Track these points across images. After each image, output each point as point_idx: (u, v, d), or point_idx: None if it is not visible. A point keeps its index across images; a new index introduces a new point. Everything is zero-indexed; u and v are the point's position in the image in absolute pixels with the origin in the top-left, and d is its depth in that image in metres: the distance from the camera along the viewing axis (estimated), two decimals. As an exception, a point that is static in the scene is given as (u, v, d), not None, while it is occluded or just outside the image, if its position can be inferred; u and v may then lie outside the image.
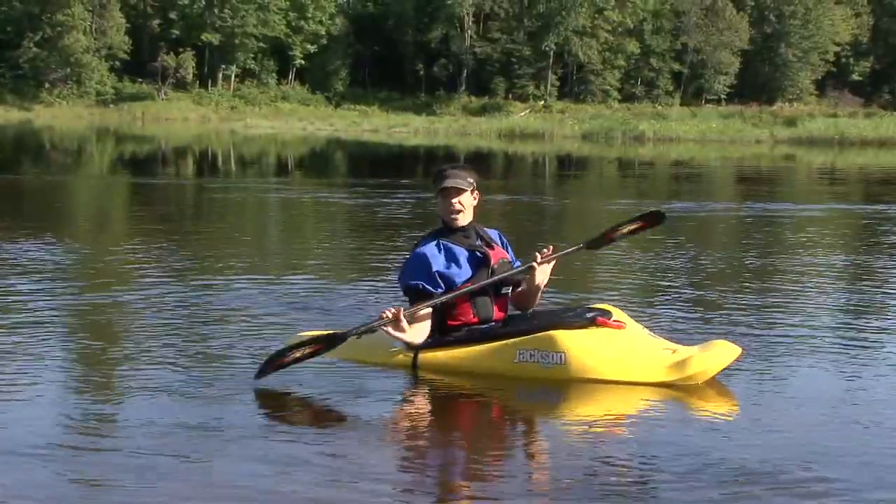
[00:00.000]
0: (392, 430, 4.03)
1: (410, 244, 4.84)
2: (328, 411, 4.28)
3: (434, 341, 4.64)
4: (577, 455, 3.65)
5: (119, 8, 59.64)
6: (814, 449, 3.67)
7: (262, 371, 4.38)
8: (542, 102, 61.78)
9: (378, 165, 27.13)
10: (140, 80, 59.98)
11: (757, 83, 66.89)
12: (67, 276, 7.38)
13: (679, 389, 4.41)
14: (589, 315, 4.61)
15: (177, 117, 55.61)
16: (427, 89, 64.77)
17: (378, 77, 65.44)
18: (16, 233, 9.55)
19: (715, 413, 4.23)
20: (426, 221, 10.30)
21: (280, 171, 23.82)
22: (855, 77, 71.25)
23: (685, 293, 6.95)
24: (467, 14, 64.27)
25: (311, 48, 63.41)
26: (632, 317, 4.86)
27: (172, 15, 61.24)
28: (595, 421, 4.15)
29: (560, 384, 4.45)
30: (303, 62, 63.74)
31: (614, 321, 4.61)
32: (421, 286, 4.56)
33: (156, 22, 62.51)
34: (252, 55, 62.43)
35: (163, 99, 58.90)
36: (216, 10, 60.30)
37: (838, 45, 69.19)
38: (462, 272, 4.62)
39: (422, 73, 65.31)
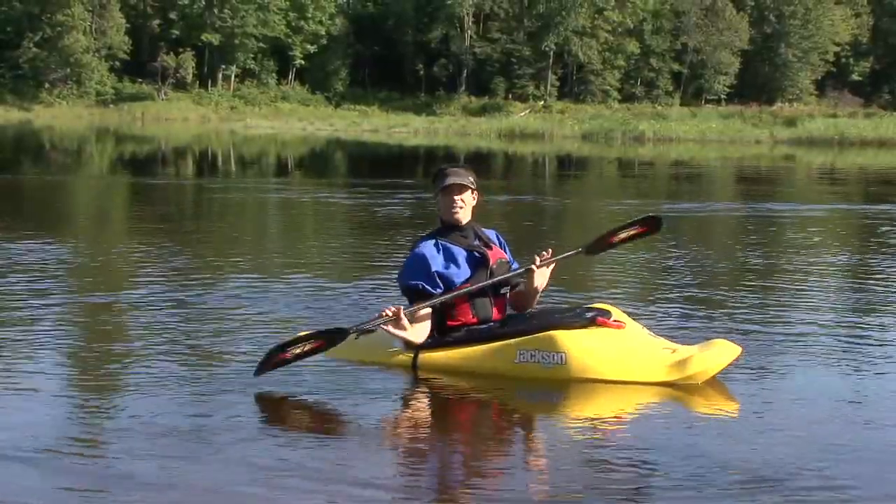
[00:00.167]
0: (392, 430, 4.03)
1: (410, 244, 4.83)
2: (328, 411, 4.28)
3: (434, 341, 4.64)
4: (577, 455, 3.65)
5: (119, 8, 59.62)
6: (815, 448, 3.67)
7: (262, 367, 4.37)
8: (542, 102, 61.77)
9: (378, 165, 27.13)
10: (140, 80, 59.97)
11: (757, 83, 66.88)
12: (67, 276, 7.37)
13: (679, 389, 4.42)
14: (589, 315, 4.61)
15: (177, 117, 55.61)
16: (427, 89, 64.77)
17: (378, 77, 65.43)
18: (16, 233, 9.55)
19: (715, 413, 4.23)
20: (426, 221, 10.30)
21: (280, 172, 23.82)
22: (855, 77, 71.25)
23: (685, 293, 6.95)
24: (467, 14, 64.26)
25: (311, 48, 63.41)
26: (631, 316, 4.86)
27: (172, 15, 61.24)
28: (595, 421, 4.15)
29: (560, 384, 4.45)
30: (303, 62, 63.73)
31: (614, 321, 4.62)
32: (420, 286, 4.57)
33: (156, 22, 62.50)
34: (252, 55, 62.42)
35: (163, 99, 58.89)
36: (216, 10, 60.29)
37: (838, 45, 69.19)
38: (461, 272, 4.62)
39: (422, 73, 65.31)
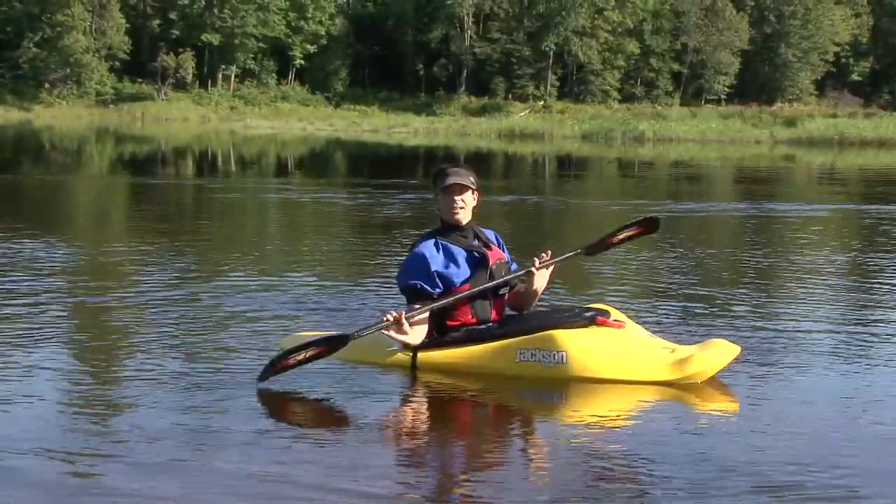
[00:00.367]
0: (392, 430, 4.03)
1: (410, 244, 4.84)
2: (328, 412, 4.28)
3: (433, 341, 4.64)
4: (577, 455, 3.65)
5: (119, 8, 59.67)
6: (815, 448, 3.67)
7: (265, 375, 4.38)
8: (542, 103, 61.80)
9: (378, 166, 27.13)
10: (140, 80, 60.00)
11: (757, 83, 66.91)
12: (67, 276, 7.37)
13: (679, 389, 4.42)
14: (588, 315, 4.62)
15: (177, 117, 55.63)
16: (427, 89, 64.79)
17: (378, 77, 65.45)
18: (16, 233, 9.55)
19: (715, 413, 4.23)
20: (426, 221, 10.29)
21: (280, 172, 23.82)
22: (855, 77, 71.27)
23: (684, 293, 6.95)
24: (467, 14, 64.28)
25: (311, 48, 63.44)
26: (630, 316, 4.87)
27: (172, 15, 61.27)
28: (595, 421, 4.16)
29: (560, 383, 4.45)
30: (303, 62, 63.76)
31: (614, 321, 4.62)
32: (419, 286, 4.57)
33: (156, 22, 62.53)
34: (252, 55, 62.46)
35: (163, 99, 58.91)
36: (216, 11, 60.32)
37: (838, 45, 69.21)
38: (461, 272, 4.63)
39: (422, 73, 65.33)
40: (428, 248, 4.64)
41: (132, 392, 4.31)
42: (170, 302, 6.25)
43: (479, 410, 4.36)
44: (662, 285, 7.30)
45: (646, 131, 44.11)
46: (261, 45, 62.17)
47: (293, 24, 63.18)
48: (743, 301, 6.64)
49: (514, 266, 4.81)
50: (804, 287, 7.35)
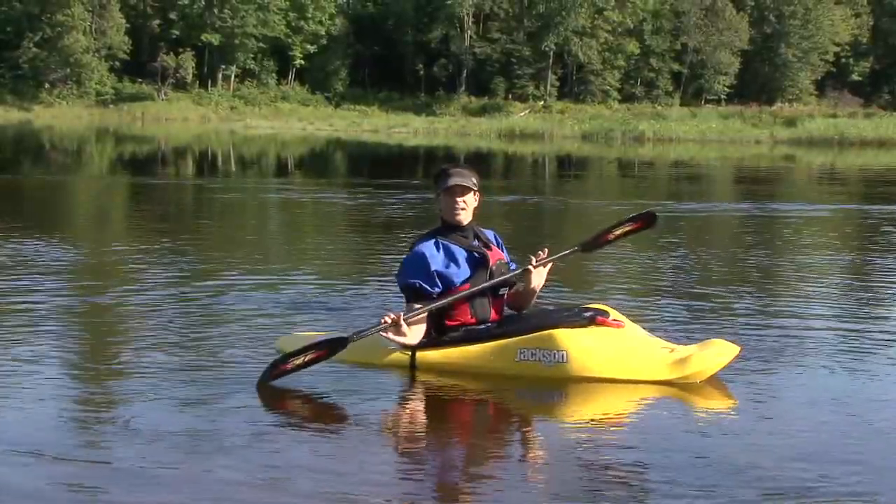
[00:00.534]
0: (391, 430, 4.03)
1: (410, 244, 4.84)
2: (326, 412, 4.28)
3: (432, 341, 4.64)
4: (576, 455, 3.65)
5: (119, 8, 59.67)
6: (815, 448, 3.67)
7: (265, 378, 4.38)
8: (542, 103, 61.80)
9: (378, 166, 27.13)
10: (140, 80, 60.02)
11: (757, 83, 66.92)
12: (67, 276, 7.37)
13: (679, 389, 4.42)
14: (587, 314, 4.62)
15: (177, 117, 55.64)
16: (427, 89, 64.79)
17: (378, 77, 65.46)
18: (16, 233, 9.55)
19: (716, 413, 4.23)
20: (426, 221, 10.29)
21: (280, 172, 23.82)
22: (855, 77, 71.28)
23: (684, 293, 6.95)
24: (467, 14, 64.28)
25: (311, 48, 63.45)
26: (630, 316, 4.87)
27: (172, 15, 61.27)
28: (594, 421, 4.16)
29: (560, 383, 4.45)
30: (303, 62, 63.77)
31: (613, 320, 4.62)
32: (418, 285, 4.57)
33: (156, 22, 62.54)
34: (252, 55, 62.47)
35: (163, 99, 58.92)
36: (216, 11, 60.33)
37: (838, 45, 69.22)
38: (461, 272, 4.63)
39: (422, 73, 65.34)
40: (428, 247, 4.64)
41: (130, 393, 4.31)
42: (169, 302, 6.25)
43: (478, 410, 4.36)
44: (662, 285, 7.30)
45: (646, 131, 44.12)
46: (261, 45, 62.18)
47: (293, 24, 63.19)
48: (743, 301, 6.64)
49: (512, 266, 4.81)
50: (804, 287, 7.35)
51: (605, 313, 4.66)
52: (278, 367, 4.39)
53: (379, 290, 6.82)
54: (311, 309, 6.13)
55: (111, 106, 57.39)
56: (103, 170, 23.39)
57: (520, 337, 4.54)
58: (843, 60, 70.51)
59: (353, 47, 65.46)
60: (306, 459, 3.55)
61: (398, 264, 4.81)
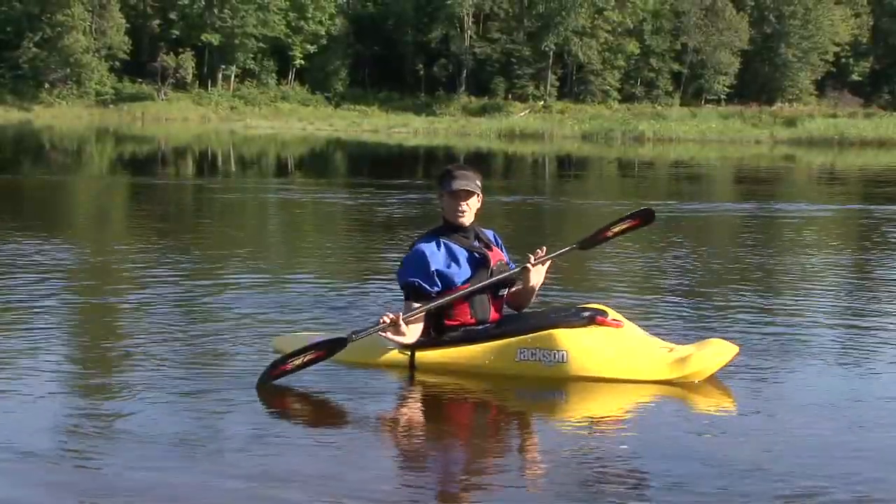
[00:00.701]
0: (390, 430, 4.03)
1: (410, 244, 4.84)
2: (325, 412, 4.28)
3: (431, 341, 4.64)
4: (576, 455, 3.65)
5: (119, 8, 59.66)
6: (814, 448, 3.67)
7: (263, 379, 4.38)
8: (542, 103, 61.80)
9: (378, 166, 27.13)
10: (140, 80, 60.00)
11: (757, 83, 66.91)
12: (67, 276, 7.37)
13: (679, 389, 4.42)
14: (586, 314, 4.62)
15: (176, 117, 55.64)
16: (427, 89, 64.78)
17: (378, 77, 65.45)
18: (16, 233, 9.55)
19: (716, 413, 4.23)
20: (426, 221, 10.30)
21: (280, 172, 23.82)
22: (855, 77, 71.27)
23: (684, 292, 6.95)
24: (467, 14, 64.28)
25: (311, 48, 63.43)
26: (629, 315, 4.87)
27: (172, 15, 61.26)
28: (595, 420, 4.16)
29: (559, 383, 4.45)
30: (302, 62, 63.75)
31: (612, 320, 4.63)
32: (417, 283, 4.57)
33: (156, 22, 62.53)
34: (252, 55, 62.45)
35: (163, 99, 58.92)
36: (216, 11, 60.31)
37: (838, 45, 69.22)
38: (462, 272, 4.63)
39: (422, 73, 65.33)
40: (429, 246, 4.65)
41: (130, 393, 4.30)
42: (168, 302, 6.25)
43: (478, 410, 4.36)
44: (661, 285, 7.31)
45: (646, 131, 44.13)
46: (261, 45, 62.16)
47: (293, 24, 63.17)
48: (743, 301, 6.63)
49: (512, 266, 4.82)
50: (804, 286, 7.35)
51: (604, 313, 4.66)
52: (277, 368, 4.40)
53: (379, 289, 6.82)
54: (311, 309, 6.13)
55: (111, 106, 57.39)
56: (103, 170, 23.39)
57: (519, 337, 4.55)
58: (843, 60, 70.50)
59: (353, 47, 65.46)
60: (305, 460, 3.54)
61: (398, 263, 4.82)
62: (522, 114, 57.35)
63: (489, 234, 4.88)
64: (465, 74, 64.47)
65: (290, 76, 64.42)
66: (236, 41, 60.62)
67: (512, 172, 25.06)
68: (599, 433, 3.96)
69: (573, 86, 65.16)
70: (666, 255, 8.82)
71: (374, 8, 68.48)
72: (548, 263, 4.77)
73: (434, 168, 24.26)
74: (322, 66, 63.49)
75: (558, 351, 4.46)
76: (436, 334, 4.66)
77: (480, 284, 4.62)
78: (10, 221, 10.89)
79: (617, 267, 8.14)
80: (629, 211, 5.14)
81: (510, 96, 63.08)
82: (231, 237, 10.65)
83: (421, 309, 4.54)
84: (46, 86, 56.57)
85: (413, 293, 4.59)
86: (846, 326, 5.87)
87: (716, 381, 4.53)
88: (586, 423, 4.10)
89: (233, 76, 62.65)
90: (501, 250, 4.86)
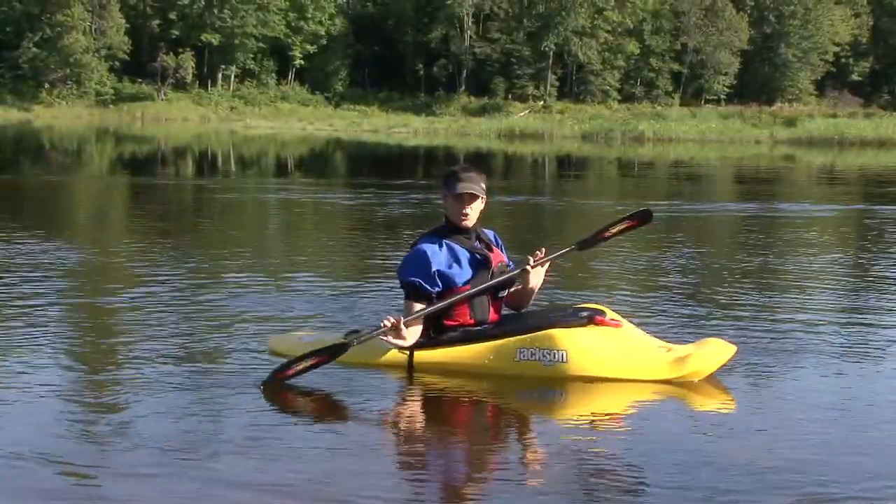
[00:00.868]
0: (390, 431, 4.03)
1: (410, 243, 4.84)
2: (323, 413, 4.28)
3: (430, 341, 4.64)
4: (576, 454, 3.65)
5: (119, 8, 59.65)
6: (814, 449, 3.67)
7: (267, 385, 4.39)
8: (542, 103, 61.79)
9: (378, 166, 27.13)
10: (140, 80, 60.00)
11: (756, 83, 66.91)
12: (67, 276, 7.37)
13: (679, 389, 4.42)
14: (585, 314, 4.63)
15: (176, 117, 55.64)
16: (427, 89, 64.78)
17: (378, 77, 65.45)
18: (16, 233, 9.55)
19: (716, 413, 4.24)
20: (426, 221, 10.31)
21: (280, 172, 23.82)
22: (854, 77, 71.26)
23: (683, 292, 6.96)
24: (467, 14, 64.27)
25: (311, 48, 63.43)
26: (628, 315, 4.88)
27: (172, 15, 61.25)
28: (594, 420, 4.16)
29: (558, 383, 4.46)
30: (302, 62, 63.75)
31: (611, 320, 4.63)
32: (418, 283, 4.57)
33: (155, 22, 62.52)
34: (252, 55, 62.46)
35: (162, 99, 58.91)
36: (216, 11, 60.31)
37: (838, 45, 69.21)
38: (463, 273, 4.64)
39: (421, 73, 65.33)
40: (431, 246, 4.65)
41: (130, 393, 4.30)
42: (168, 302, 6.25)
43: (477, 410, 4.36)
44: (661, 284, 7.31)
45: (645, 131, 44.14)
46: (261, 45, 62.16)
47: (293, 24, 63.17)
48: (742, 301, 6.63)
49: (511, 267, 4.82)
50: (804, 286, 7.35)
51: (603, 313, 4.67)
52: (282, 373, 4.41)
53: (378, 289, 6.82)
54: (311, 309, 6.13)
55: (111, 106, 57.39)
56: (103, 170, 23.39)
57: (519, 336, 4.55)
58: (843, 60, 70.49)
59: (353, 47, 65.45)
60: (304, 460, 3.54)
61: (398, 264, 4.82)
62: (522, 114, 57.35)
63: (490, 234, 4.89)
64: (464, 74, 64.47)
65: (290, 76, 64.42)
66: (236, 41, 60.62)
67: (512, 172, 25.05)
68: (599, 433, 3.96)
69: (573, 86, 65.15)
70: (665, 255, 8.82)
71: (374, 8, 68.48)
72: (547, 264, 4.78)
73: (434, 168, 24.27)
74: (322, 66, 63.49)
75: (558, 351, 4.46)
76: (435, 335, 4.67)
77: (482, 286, 4.63)
78: (10, 221, 10.89)
79: (616, 267, 8.14)
80: (629, 212, 5.15)
81: (510, 96, 63.07)
82: (231, 237, 10.65)
83: (422, 313, 4.55)
84: (46, 86, 56.56)
85: (414, 293, 4.60)
86: (846, 326, 5.87)
87: (716, 380, 4.53)
88: (586, 423, 4.10)
89: (233, 76, 62.65)
90: (502, 251, 4.87)
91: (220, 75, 61.99)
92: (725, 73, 65.49)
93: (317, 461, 3.54)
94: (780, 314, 6.18)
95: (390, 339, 4.48)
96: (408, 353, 4.63)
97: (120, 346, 5.20)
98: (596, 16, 64.01)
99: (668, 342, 4.79)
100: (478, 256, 4.69)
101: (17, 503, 3.17)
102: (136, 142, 36.31)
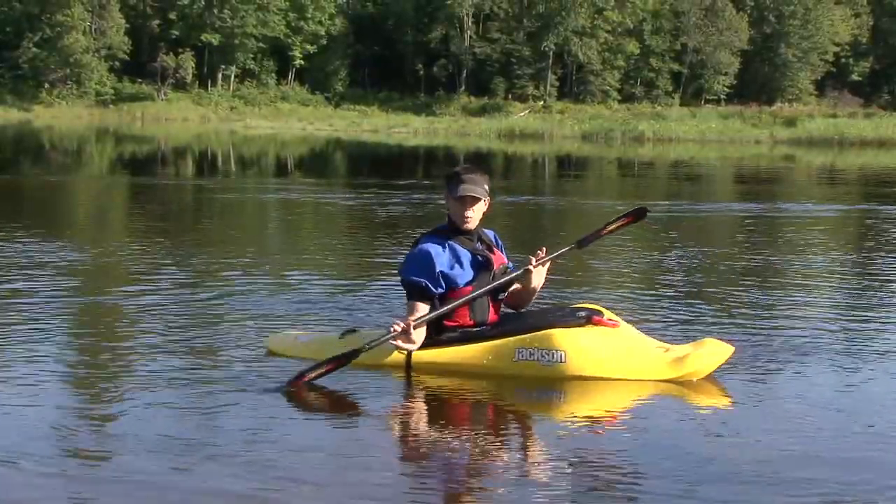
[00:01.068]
0: (389, 431, 4.03)
1: (412, 241, 4.84)
2: (323, 413, 4.27)
3: (429, 342, 4.63)
4: (576, 454, 3.65)
5: (119, 8, 59.68)
6: (814, 449, 3.67)
7: (282, 391, 4.39)
8: (542, 103, 61.80)
9: (378, 166, 27.14)
10: (140, 80, 60.02)
11: (756, 83, 66.92)
12: (66, 276, 7.36)
13: (678, 389, 4.42)
14: (582, 314, 4.63)
15: (176, 117, 55.66)
16: (427, 89, 64.79)
17: (378, 77, 65.47)
18: (16, 233, 9.55)
19: (715, 413, 4.23)
20: (426, 221, 10.31)
21: (280, 172, 23.83)
22: (854, 77, 71.26)
23: (681, 292, 6.95)
24: (467, 14, 64.28)
25: (311, 48, 63.44)
26: (626, 316, 4.88)
27: (172, 15, 61.27)
28: (594, 420, 4.16)
29: (557, 383, 4.46)
30: (302, 62, 63.76)
31: (608, 320, 4.63)
32: (424, 284, 4.57)
33: (155, 22, 62.54)
34: (252, 55, 62.48)
35: (162, 99, 58.93)
36: (216, 11, 60.33)
37: (838, 45, 69.22)
38: (465, 274, 4.63)
39: (421, 73, 65.34)
40: (435, 247, 4.64)
41: (130, 393, 4.30)
42: (167, 302, 6.25)
43: (476, 410, 4.36)
44: (660, 284, 7.31)
45: (645, 131, 44.16)
46: (261, 45, 62.18)
47: (293, 24, 63.19)
48: (742, 301, 6.63)
49: (511, 266, 4.82)
50: (804, 286, 7.36)
51: (600, 313, 4.67)
52: (295, 383, 4.40)
53: (379, 289, 6.82)
54: (311, 309, 6.13)
55: (111, 106, 57.41)
56: (103, 170, 23.39)
57: (517, 337, 4.55)
58: (843, 60, 70.50)
59: (352, 47, 65.46)
60: (303, 460, 3.54)
61: (398, 264, 4.82)
62: (522, 114, 57.36)
63: (490, 234, 4.89)
64: (464, 74, 64.48)
65: (290, 76, 64.43)
66: (236, 41, 60.64)
67: (512, 173, 25.06)
68: (599, 433, 3.96)
69: (573, 86, 65.16)
70: (665, 254, 8.82)
71: (374, 8, 68.49)
72: (548, 264, 4.78)
73: (434, 168, 24.27)
74: (322, 66, 63.51)
75: (556, 351, 4.46)
76: (434, 335, 4.67)
77: (485, 288, 4.62)
78: (10, 221, 10.88)
79: (616, 267, 8.14)
80: (627, 211, 5.16)
81: (510, 96, 63.08)
82: (230, 237, 10.65)
83: (430, 316, 4.54)
84: (46, 86, 56.59)
85: (418, 293, 4.59)
86: (846, 326, 5.87)
87: (715, 380, 4.53)
88: (584, 423, 4.10)
89: (232, 76, 62.67)
90: (502, 252, 4.87)
91: (220, 75, 62.00)
92: (725, 73, 65.51)
93: (315, 461, 3.54)
94: (780, 314, 6.18)
95: (400, 343, 4.49)
96: (406, 353, 4.63)
97: (119, 345, 5.20)
98: (596, 16, 64.02)
99: (667, 342, 4.79)
100: (479, 258, 4.69)
101: (15, 502, 3.16)
102: (136, 142, 36.32)
